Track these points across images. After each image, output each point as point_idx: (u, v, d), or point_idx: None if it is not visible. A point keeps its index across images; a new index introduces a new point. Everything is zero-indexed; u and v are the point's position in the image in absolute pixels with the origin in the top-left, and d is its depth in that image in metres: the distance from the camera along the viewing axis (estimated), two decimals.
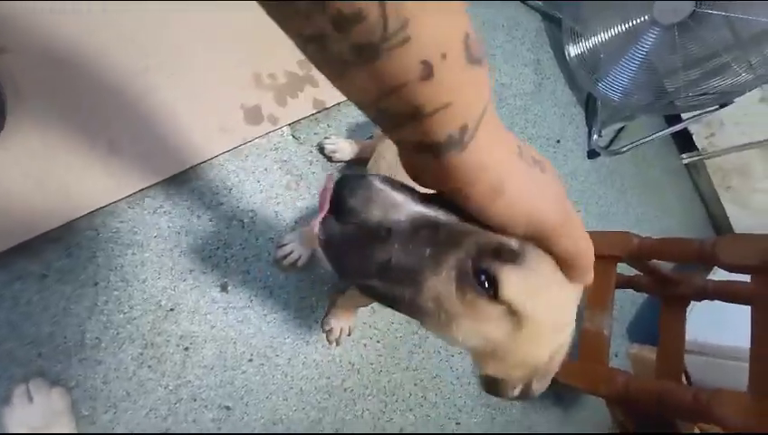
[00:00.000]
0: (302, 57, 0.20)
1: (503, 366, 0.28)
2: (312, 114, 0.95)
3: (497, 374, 0.29)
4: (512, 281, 0.24)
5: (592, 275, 0.28)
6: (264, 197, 0.86)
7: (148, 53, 0.79)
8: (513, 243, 0.25)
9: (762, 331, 0.72)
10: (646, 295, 1.54)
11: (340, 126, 0.99)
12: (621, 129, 1.80)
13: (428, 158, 0.22)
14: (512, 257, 0.25)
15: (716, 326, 1.27)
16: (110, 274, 0.70)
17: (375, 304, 0.93)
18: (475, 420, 1.05)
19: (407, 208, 0.24)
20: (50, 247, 0.66)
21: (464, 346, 0.27)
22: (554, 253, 0.26)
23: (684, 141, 2.11)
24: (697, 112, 1.58)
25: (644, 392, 0.79)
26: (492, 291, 0.24)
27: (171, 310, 0.73)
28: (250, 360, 0.78)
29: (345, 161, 0.97)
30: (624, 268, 1.00)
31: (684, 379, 1.20)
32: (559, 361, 0.30)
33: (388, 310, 0.97)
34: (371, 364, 0.92)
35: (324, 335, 0.87)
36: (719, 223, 2.19)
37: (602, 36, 1.46)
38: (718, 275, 1.21)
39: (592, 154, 1.66)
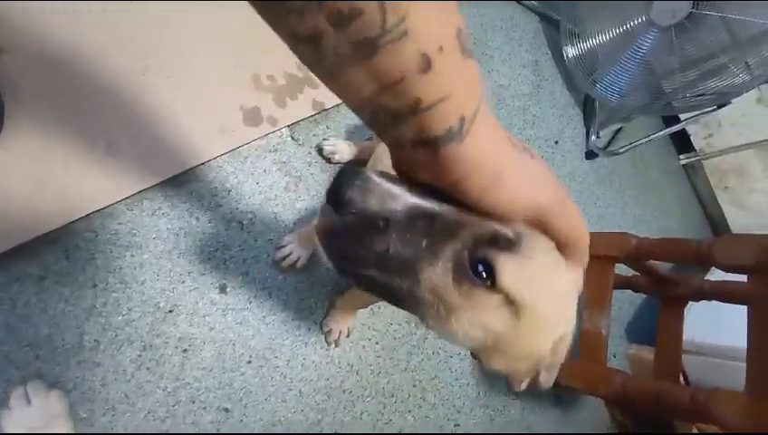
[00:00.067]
0: None
1: (506, 359, 0.28)
2: (312, 116, 0.95)
3: (502, 368, 0.29)
4: (508, 269, 0.24)
5: (588, 257, 0.29)
6: (263, 198, 0.86)
7: (147, 54, 0.79)
8: (509, 231, 0.25)
9: (758, 331, 0.72)
10: (644, 296, 1.55)
11: (340, 127, 1.00)
12: (619, 129, 1.81)
13: (427, 153, 0.22)
14: (508, 246, 0.25)
15: (714, 326, 1.27)
16: (108, 275, 0.70)
17: (374, 306, 0.93)
18: (473, 420, 1.05)
19: (403, 199, 0.24)
20: (48, 249, 0.66)
21: (465, 341, 0.27)
22: (553, 235, 0.26)
23: (682, 142, 2.13)
24: (695, 113, 1.59)
25: (642, 392, 0.80)
26: (489, 280, 0.24)
27: (170, 312, 0.73)
28: (249, 361, 0.78)
29: (344, 163, 0.97)
30: (622, 269, 1.01)
31: (682, 379, 1.21)
32: (563, 352, 0.29)
33: (387, 311, 0.97)
34: (370, 366, 0.92)
35: (323, 337, 0.87)
36: (717, 223, 2.20)
37: (600, 37, 1.46)
38: (716, 275, 1.22)
39: (590, 155, 1.66)
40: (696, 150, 2.09)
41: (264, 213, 0.86)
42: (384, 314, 0.96)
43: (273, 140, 0.90)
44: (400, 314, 0.95)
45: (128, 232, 0.73)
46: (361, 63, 0.19)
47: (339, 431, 0.85)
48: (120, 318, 0.69)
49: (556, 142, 1.57)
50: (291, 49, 0.20)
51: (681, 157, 2.17)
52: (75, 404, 0.64)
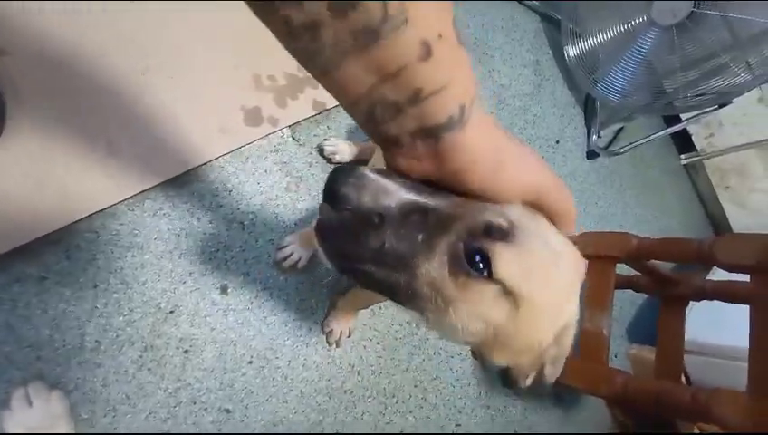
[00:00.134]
0: None
1: (508, 352, 0.28)
2: (312, 116, 0.95)
3: (505, 362, 0.29)
4: (504, 258, 0.24)
5: (575, 226, 0.30)
6: (264, 198, 0.86)
7: (147, 54, 0.79)
8: (503, 221, 0.25)
9: (760, 330, 0.72)
10: (645, 296, 1.54)
11: (340, 128, 1.00)
12: (620, 129, 1.81)
13: (428, 144, 0.22)
14: (502, 235, 0.25)
15: (715, 326, 1.27)
16: (109, 276, 0.70)
17: (375, 307, 0.93)
18: (474, 421, 1.05)
19: (398, 195, 0.24)
20: (49, 250, 0.66)
21: (465, 335, 0.27)
22: (548, 210, 0.27)
23: (683, 142, 2.12)
24: (696, 113, 1.59)
25: (643, 392, 0.80)
26: (485, 271, 0.24)
27: (171, 312, 0.73)
28: (250, 362, 0.78)
29: (345, 163, 0.97)
30: (623, 269, 1.01)
31: (683, 379, 1.21)
32: (568, 343, 0.29)
33: (389, 312, 0.97)
34: (371, 366, 0.92)
35: (324, 337, 0.87)
36: (718, 223, 2.19)
37: (601, 37, 1.46)
38: (717, 275, 1.22)
39: (591, 155, 1.66)
40: (697, 150, 2.09)
41: (265, 213, 0.86)
42: (385, 314, 0.96)
43: (273, 140, 0.90)
44: (402, 314, 0.95)
45: (129, 232, 0.72)
46: (361, 54, 0.19)
47: (340, 432, 0.85)
48: (121, 319, 0.69)
49: (557, 142, 1.57)
50: (283, 44, 0.20)
51: (682, 156, 2.16)
52: (76, 405, 0.64)
